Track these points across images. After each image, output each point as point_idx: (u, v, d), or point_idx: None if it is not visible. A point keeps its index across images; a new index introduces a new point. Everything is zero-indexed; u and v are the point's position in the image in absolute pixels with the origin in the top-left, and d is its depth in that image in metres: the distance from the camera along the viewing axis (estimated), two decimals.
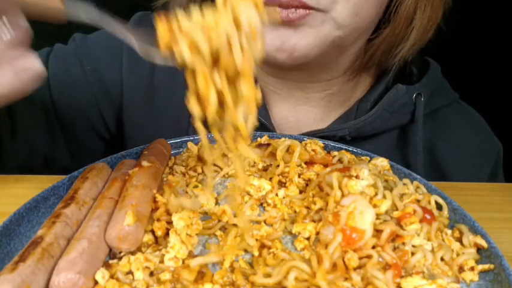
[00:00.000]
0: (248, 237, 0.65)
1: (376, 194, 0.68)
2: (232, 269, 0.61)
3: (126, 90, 1.07)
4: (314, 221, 0.69)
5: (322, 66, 0.97)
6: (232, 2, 0.48)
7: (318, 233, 0.66)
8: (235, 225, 0.67)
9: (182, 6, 0.96)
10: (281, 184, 0.77)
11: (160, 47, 0.48)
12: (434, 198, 0.72)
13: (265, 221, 0.70)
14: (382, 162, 0.81)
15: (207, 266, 0.61)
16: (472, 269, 0.61)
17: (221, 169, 0.83)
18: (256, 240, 0.65)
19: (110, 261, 0.61)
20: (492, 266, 0.61)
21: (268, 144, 0.82)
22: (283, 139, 0.82)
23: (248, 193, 0.75)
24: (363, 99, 1.07)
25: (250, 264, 0.63)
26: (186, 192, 0.75)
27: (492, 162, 1.11)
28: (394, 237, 0.63)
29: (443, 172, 1.04)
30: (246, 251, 0.65)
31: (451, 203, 0.71)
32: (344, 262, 0.59)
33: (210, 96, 0.49)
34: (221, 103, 0.52)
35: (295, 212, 0.72)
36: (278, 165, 0.77)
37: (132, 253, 0.62)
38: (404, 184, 0.75)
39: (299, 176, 0.78)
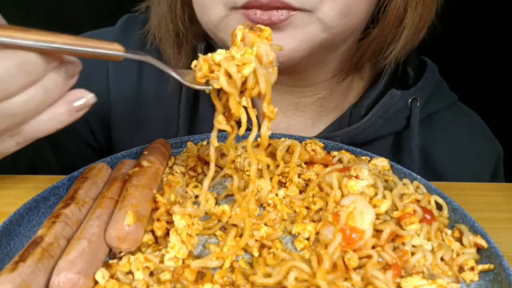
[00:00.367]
0: (248, 237, 0.65)
1: (376, 194, 0.68)
2: (232, 269, 0.61)
3: (113, 101, 1.06)
4: (314, 221, 0.69)
5: (310, 67, 0.94)
6: (250, 40, 0.60)
7: (317, 233, 0.66)
8: (235, 225, 0.67)
9: (173, 46, 0.98)
10: (281, 184, 0.77)
11: (197, 77, 0.59)
12: (434, 198, 0.72)
13: (265, 223, 0.70)
14: (382, 162, 0.81)
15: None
16: (472, 269, 0.61)
17: (221, 169, 0.83)
18: (256, 240, 0.65)
19: (110, 261, 0.61)
20: (492, 266, 0.61)
21: (268, 144, 0.82)
22: (283, 139, 0.82)
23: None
24: (357, 105, 1.03)
25: (250, 264, 0.63)
26: (186, 192, 0.75)
27: (492, 166, 1.07)
28: (394, 237, 0.63)
29: (441, 179, 1.00)
30: (246, 251, 0.65)
31: (451, 203, 0.71)
32: (344, 262, 0.59)
33: (242, 115, 0.61)
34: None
35: (295, 212, 0.72)
36: (278, 165, 0.77)
37: (132, 253, 0.62)
38: (404, 184, 0.75)
39: (299, 176, 0.78)
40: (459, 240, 0.66)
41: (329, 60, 0.95)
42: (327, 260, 0.58)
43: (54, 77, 0.50)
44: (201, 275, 0.59)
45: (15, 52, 0.46)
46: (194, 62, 0.61)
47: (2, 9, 0.55)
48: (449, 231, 0.67)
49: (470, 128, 1.08)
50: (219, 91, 0.61)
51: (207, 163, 0.84)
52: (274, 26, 0.76)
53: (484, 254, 0.63)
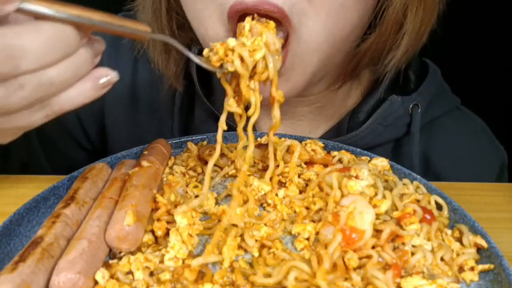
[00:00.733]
0: (248, 237, 0.65)
1: (376, 194, 0.68)
2: (232, 269, 0.61)
3: (108, 102, 1.06)
4: (314, 221, 0.69)
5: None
6: (258, 30, 0.66)
7: (317, 233, 0.66)
8: (235, 225, 0.67)
9: (161, 53, 0.95)
10: (281, 184, 0.77)
11: (212, 61, 0.63)
12: (434, 198, 0.72)
13: (265, 224, 0.70)
14: (382, 162, 0.81)
15: (207, 266, 0.61)
16: (472, 269, 0.61)
17: (221, 169, 0.83)
18: (256, 240, 0.65)
19: (110, 261, 0.61)
20: (492, 266, 0.61)
21: (268, 144, 0.82)
22: (283, 139, 0.82)
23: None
24: (356, 110, 0.99)
25: (250, 264, 0.63)
26: (186, 192, 0.75)
27: (496, 173, 1.03)
28: (394, 237, 0.63)
29: None
30: (246, 251, 0.65)
31: (451, 203, 0.71)
32: (344, 262, 0.59)
33: (251, 97, 0.66)
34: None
35: (295, 212, 0.72)
36: (278, 165, 0.77)
37: (132, 253, 0.62)
38: (404, 184, 0.75)
39: (299, 176, 0.78)
40: (459, 240, 0.66)
41: (326, 72, 0.90)
42: (327, 260, 0.58)
43: (84, 52, 0.52)
44: (201, 275, 0.59)
45: (55, 24, 0.48)
46: (206, 50, 0.65)
47: None
48: (449, 231, 0.67)
49: (472, 133, 1.05)
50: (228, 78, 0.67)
51: (207, 163, 0.84)
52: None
53: (484, 254, 0.63)
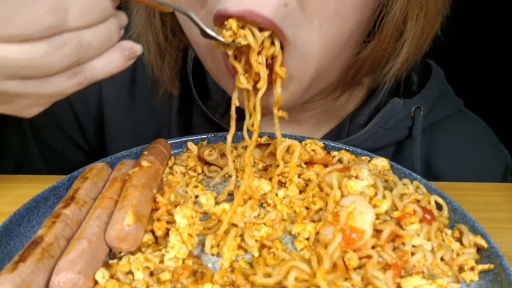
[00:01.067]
0: (248, 237, 0.65)
1: (376, 194, 0.68)
2: (232, 269, 0.61)
3: (106, 101, 1.06)
4: (314, 221, 0.69)
5: None
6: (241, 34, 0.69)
7: (317, 233, 0.66)
8: (235, 225, 0.67)
9: (155, 57, 0.95)
10: (281, 184, 0.77)
11: (225, 36, 0.67)
12: (434, 198, 0.72)
13: (264, 224, 0.70)
14: (382, 162, 0.81)
15: (207, 266, 0.62)
16: (472, 269, 0.61)
17: (221, 169, 0.83)
18: (256, 240, 0.65)
19: (110, 261, 0.61)
20: (492, 266, 0.61)
21: (268, 144, 0.82)
22: (283, 139, 0.82)
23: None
24: (356, 113, 0.98)
25: (250, 264, 0.63)
26: (186, 192, 0.75)
27: (499, 176, 1.01)
28: (394, 237, 0.63)
29: None
30: (246, 251, 0.65)
31: (451, 203, 0.71)
32: (344, 262, 0.59)
33: (260, 70, 0.70)
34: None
35: (295, 212, 0.72)
36: (278, 165, 0.77)
37: (132, 253, 0.62)
38: (404, 184, 0.75)
39: (299, 176, 0.78)
40: (459, 240, 0.66)
41: (324, 81, 0.86)
42: (327, 260, 0.58)
43: (114, 21, 0.54)
44: (201, 275, 0.59)
45: None
46: (215, 29, 0.68)
47: None
48: (449, 231, 0.67)
49: (475, 136, 1.03)
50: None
51: (207, 163, 0.84)
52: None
53: (484, 254, 0.63)
